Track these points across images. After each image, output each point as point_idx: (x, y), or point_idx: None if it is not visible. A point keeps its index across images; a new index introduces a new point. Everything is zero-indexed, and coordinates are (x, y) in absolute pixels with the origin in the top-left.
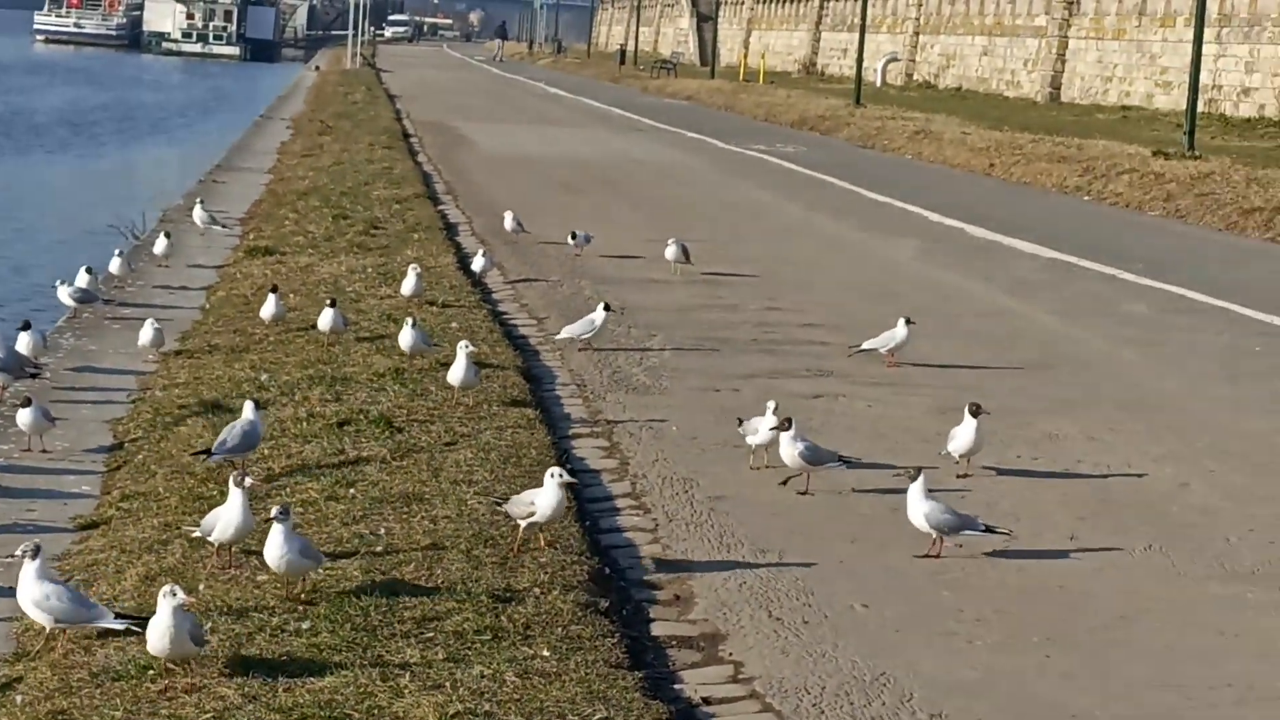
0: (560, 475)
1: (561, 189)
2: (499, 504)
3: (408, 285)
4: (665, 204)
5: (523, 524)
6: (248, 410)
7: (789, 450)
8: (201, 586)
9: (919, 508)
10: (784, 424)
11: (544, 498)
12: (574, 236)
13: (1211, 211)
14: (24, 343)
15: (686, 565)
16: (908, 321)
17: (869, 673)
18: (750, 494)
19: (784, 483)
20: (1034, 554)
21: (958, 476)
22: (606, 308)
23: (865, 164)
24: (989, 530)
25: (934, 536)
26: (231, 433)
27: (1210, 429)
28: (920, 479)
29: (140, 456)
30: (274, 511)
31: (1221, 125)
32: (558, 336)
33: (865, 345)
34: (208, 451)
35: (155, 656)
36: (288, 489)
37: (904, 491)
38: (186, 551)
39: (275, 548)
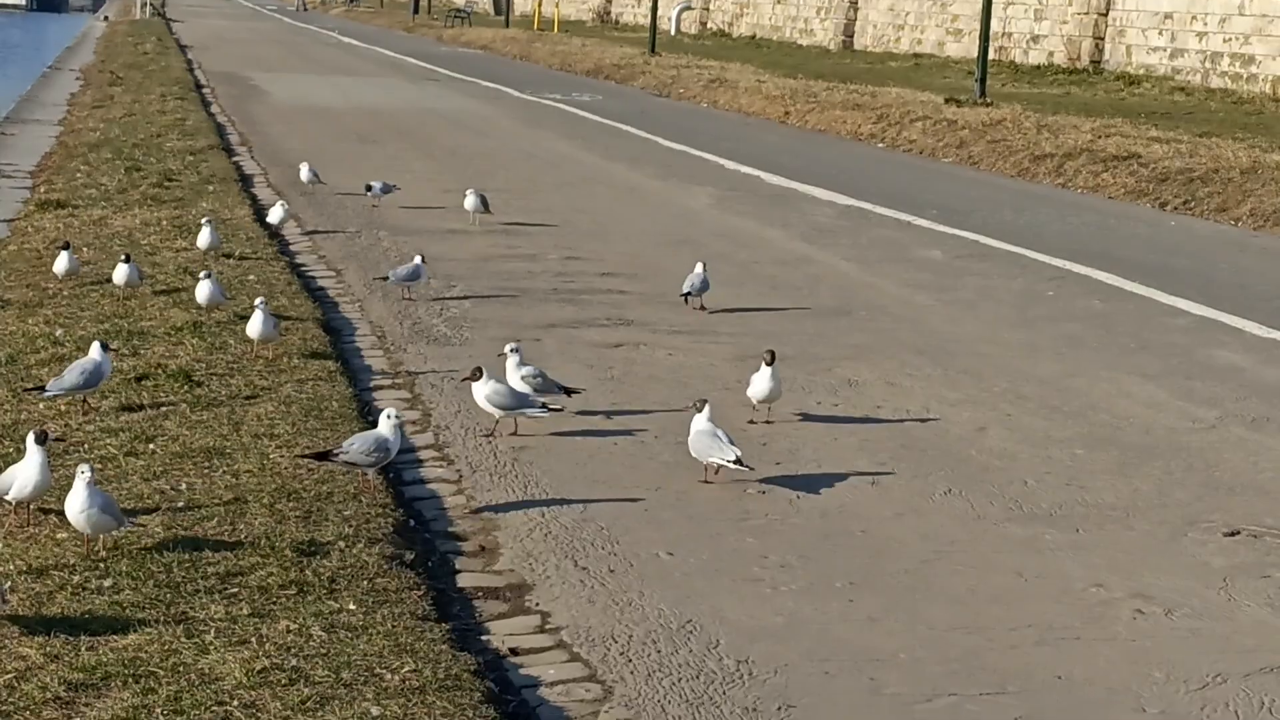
0: (395, 415)
1: (358, 139)
2: (333, 457)
3: (203, 238)
4: (462, 154)
5: (371, 472)
6: (94, 350)
7: (478, 397)
8: (1, 547)
9: (693, 435)
10: (474, 373)
11: (391, 438)
12: (369, 188)
13: (1003, 158)
14: None
15: (491, 516)
16: (704, 267)
17: (675, 620)
18: (553, 444)
19: (489, 435)
20: (836, 499)
21: (749, 422)
22: (423, 259)
23: (661, 112)
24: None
25: (704, 464)
26: (71, 371)
27: (1006, 373)
28: (705, 410)
29: None
30: (81, 469)
31: (1012, 73)
32: (387, 281)
33: (685, 289)
34: (40, 388)
35: None
36: (85, 445)
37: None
38: None
39: (78, 504)
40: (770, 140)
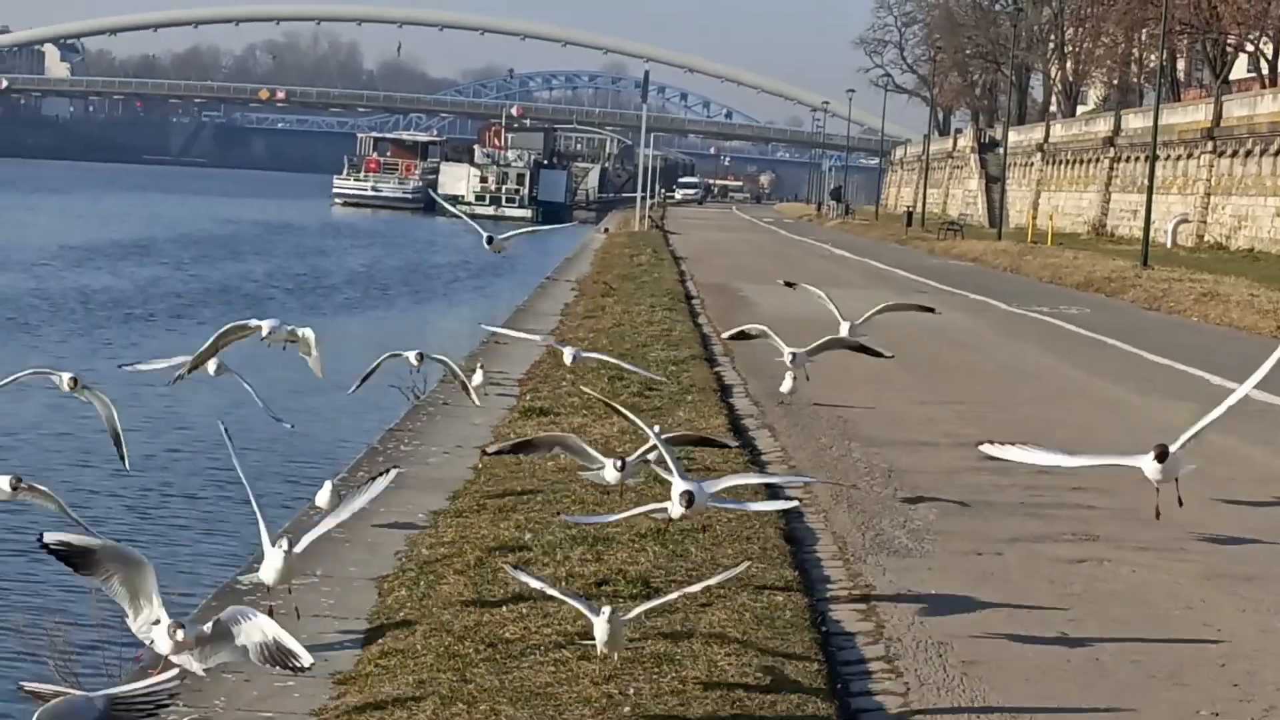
0: None
1: (841, 352)
2: None
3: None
4: (940, 365)
5: None
6: None
7: None
8: None
9: None
10: None
11: None
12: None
13: None
14: (323, 497)
15: None
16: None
17: None
18: (1006, 660)
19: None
20: None
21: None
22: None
23: (1149, 326)
24: None
25: None
26: None
27: None
28: None
29: (401, 613)
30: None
31: None
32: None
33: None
34: None
35: None
36: (541, 648)
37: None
38: (437, 708)
39: None
40: (1259, 355)
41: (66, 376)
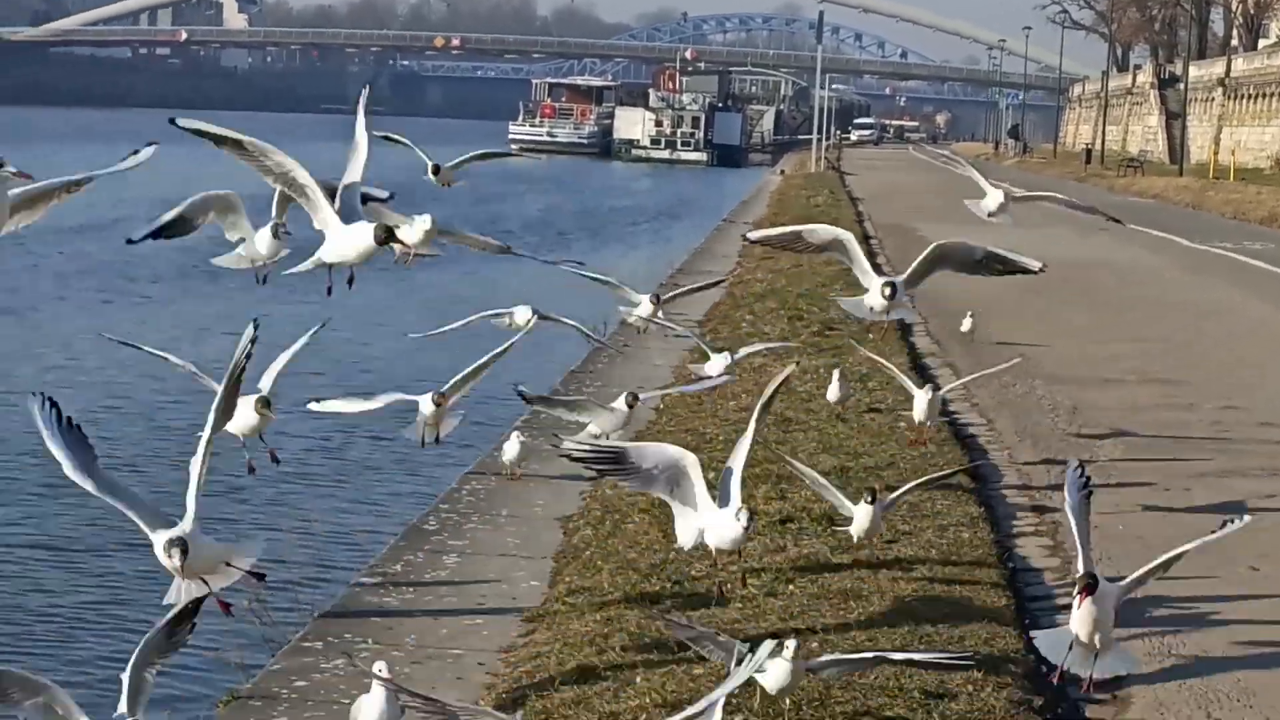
0: None
1: (1021, 289)
2: None
3: (833, 391)
4: (1123, 302)
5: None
6: None
7: None
8: (639, 679)
9: None
10: None
11: None
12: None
13: None
14: (511, 450)
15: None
16: None
17: None
18: (1192, 593)
19: None
20: None
21: None
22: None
23: None
24: None
25: None
26: None
27: None
28: None
29: (588, 553)
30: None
31: None
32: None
33: None
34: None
35: None
36: (727, 585)
37: None
38: (625, 645)
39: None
40: None
41: (521, 310)
